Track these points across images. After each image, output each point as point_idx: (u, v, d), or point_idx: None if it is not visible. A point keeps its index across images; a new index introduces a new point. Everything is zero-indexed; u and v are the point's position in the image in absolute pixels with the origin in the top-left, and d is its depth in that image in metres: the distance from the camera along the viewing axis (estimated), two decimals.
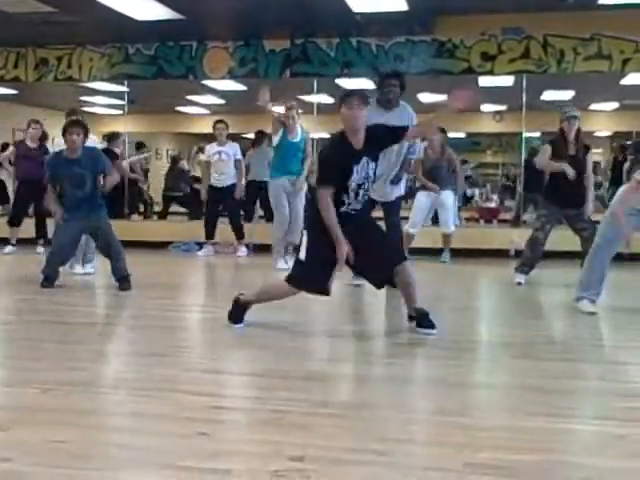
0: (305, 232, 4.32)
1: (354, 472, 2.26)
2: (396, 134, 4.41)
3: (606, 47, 8.51)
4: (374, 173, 4.29)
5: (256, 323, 4.50)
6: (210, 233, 8.86)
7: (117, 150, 9.93)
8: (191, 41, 9.55)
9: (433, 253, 8.34)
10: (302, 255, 4.24)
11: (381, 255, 4.29)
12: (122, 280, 5.97)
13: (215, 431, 2.59)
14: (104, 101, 12.35)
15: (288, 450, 2.38)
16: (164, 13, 8.00)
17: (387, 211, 5.93)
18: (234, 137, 9.19)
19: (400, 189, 5.99)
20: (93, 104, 12.92)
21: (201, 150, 11.70)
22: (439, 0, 7.81)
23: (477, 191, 14.59)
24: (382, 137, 4.31)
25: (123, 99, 10.63)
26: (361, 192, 4.21)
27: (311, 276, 4.23)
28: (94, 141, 6.66)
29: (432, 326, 4.26)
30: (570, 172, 6.03)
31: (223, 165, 8.69)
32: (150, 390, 3.11)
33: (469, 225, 11.40)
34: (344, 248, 4.04)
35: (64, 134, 6.00)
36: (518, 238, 7.62)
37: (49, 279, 6.00)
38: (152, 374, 3.39)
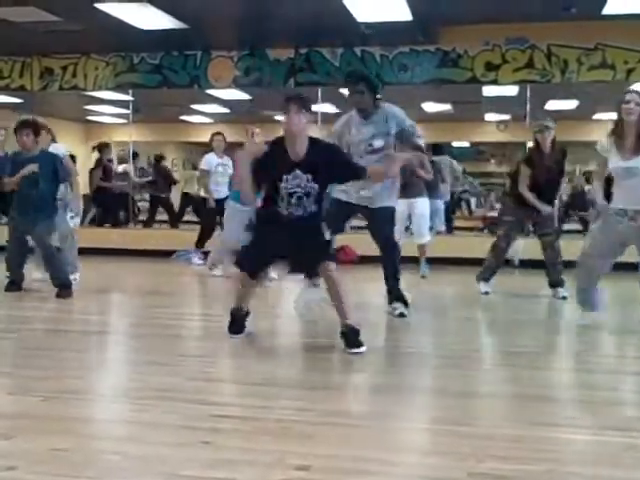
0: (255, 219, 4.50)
1: None
2: (355, 173, 4.22)
3: (610, 57, 8.50)
4: (314, 190, 4.05)
5: (259, 332, 4.49)
6: (204, 243, 8.74)
7: (114, 164, 9.83)
8: (196, 50, 9.56)
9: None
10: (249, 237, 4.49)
11: (305, 257, 4.24)
12: (60, 287, 5.96)
13: (218, 440, 2.58)
14: (109, 110, 12.38)
15: (293, 459, 2.36)
16: (169, 23, 8.02)
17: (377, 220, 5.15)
18: (239, 146, 9.17)
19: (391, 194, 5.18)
20: (98, 113, 12.96)
21: (195, 168, 11.58)
22: (443, 10, 7.81)
23: (473, 200, 14.42)
24: (331, 164, 4.04)
25: (128, 108, 10.64)
26: (294, 200, 4.04)
27: (250, 257, 4.36)
28: (57, 149, 6.53)
29: (360, 344, 4.02)
30: (544, 209, 6.11)
31: (220, 177, 8.58)
32: (152, 399, 3.09)
33: (471, 234, 11.36)
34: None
35: (15, 134, 5.99)
36: (522, 247, 7.61)
37: (15, 283, 6.12)
38: (154, 382, 3.38)
